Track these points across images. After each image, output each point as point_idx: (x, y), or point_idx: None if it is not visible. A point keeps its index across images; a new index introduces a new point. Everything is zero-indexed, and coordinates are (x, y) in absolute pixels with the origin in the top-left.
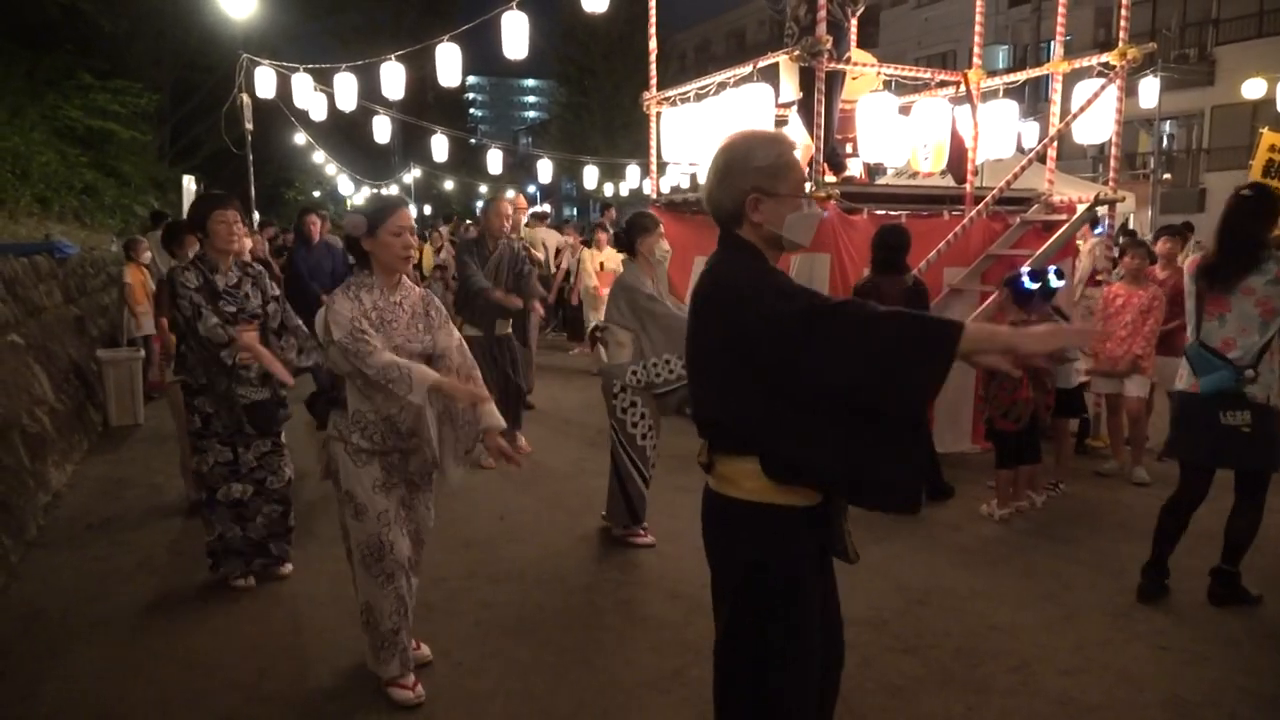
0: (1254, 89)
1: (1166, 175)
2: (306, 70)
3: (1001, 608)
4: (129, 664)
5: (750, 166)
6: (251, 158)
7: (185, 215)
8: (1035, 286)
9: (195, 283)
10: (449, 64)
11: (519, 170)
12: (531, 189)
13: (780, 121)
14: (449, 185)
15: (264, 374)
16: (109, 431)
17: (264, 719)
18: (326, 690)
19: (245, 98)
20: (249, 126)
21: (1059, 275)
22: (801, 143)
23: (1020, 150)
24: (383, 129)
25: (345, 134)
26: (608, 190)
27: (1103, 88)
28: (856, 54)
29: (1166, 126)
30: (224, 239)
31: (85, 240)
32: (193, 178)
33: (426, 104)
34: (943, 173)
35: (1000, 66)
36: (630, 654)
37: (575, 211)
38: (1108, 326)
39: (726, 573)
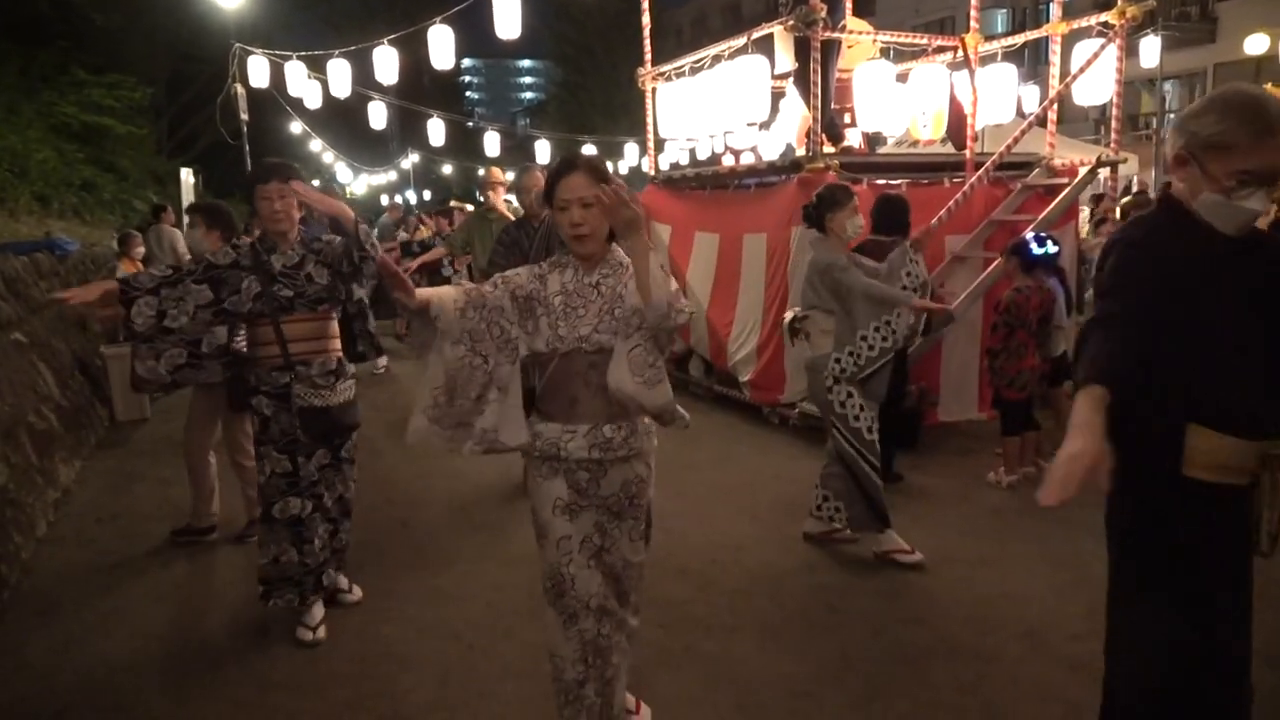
0: (1257, 44)
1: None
2: (299, 58)
3: (1010, 575)
4: (143, 655)
5: None
6: (248, 148)
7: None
8: (1041, 251)
9: (224, 260)
10: (442, 46)
11: (517, 152)
12: None
13: (777, 93)
14: (448, 169)
15: (329, 372)
16: (115, 426)
17: (278, 706)
18: (339, 676)
19: (239, 88)
20: (244, 117)
21: (1054, 243)
22: (799, 114)
23: (1020, 114)
24: (378, 115)
25: (342, 121)
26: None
27: (1102, 48)
28: (852, 22)
29: (1168, 86)
30: (267, 217)
31: (85, 236)
32: (191, 170)
33: (422, 88)
34: (943, 140)
35: (998, 30)
36: (640, 631)
37: None
38: None
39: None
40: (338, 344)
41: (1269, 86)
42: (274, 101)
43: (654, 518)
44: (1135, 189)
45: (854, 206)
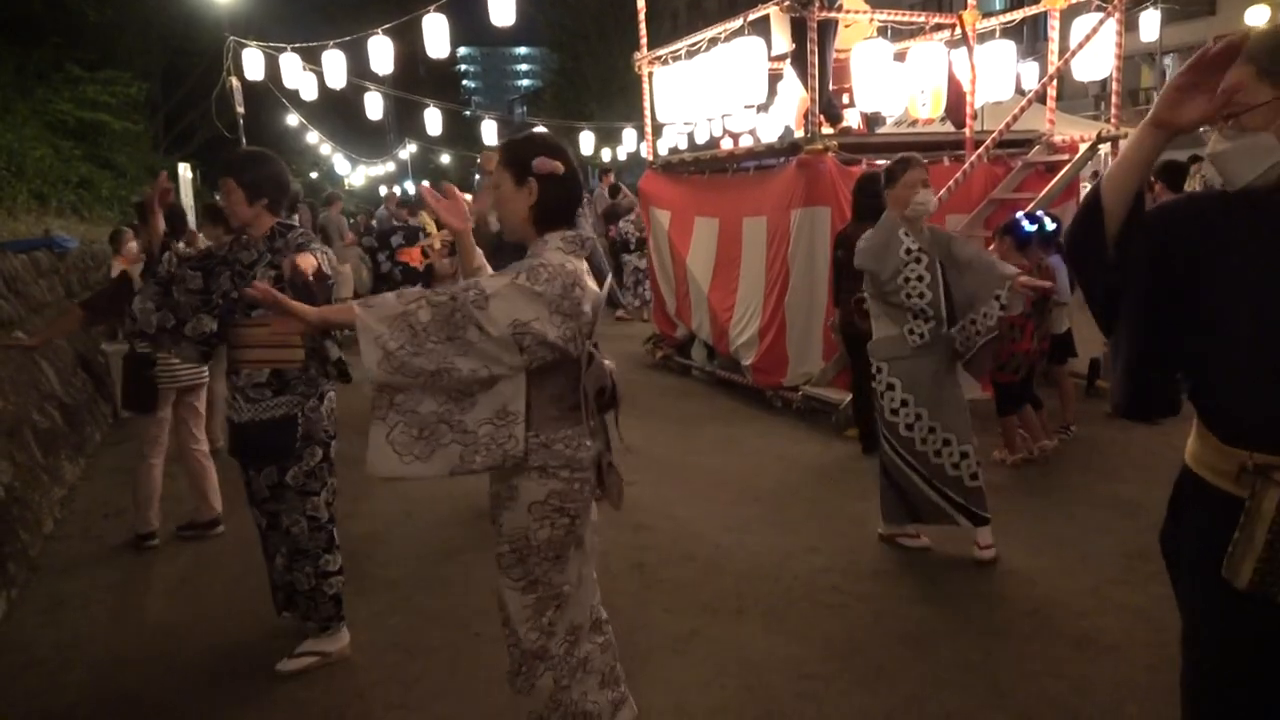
0: (1257, 16)
1: None
2: (294, 49)
3: (1016, 553)
4: (152, 650)
5: None
6: (245, 141)
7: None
8: (1033, 229)
9: (219, 252)
10: (437, 35)
11: None
12: None
13: (774, 75)
14: (446, 159)
15: (258, 384)
16: (119, 422)
17: (286, 696)
18: (346, 665)
19: (234, 81)
20: (240, 110)
21: (1053, 220)
22: (796, 95)
23: (1020, 91)
24: (375, 105)
25: (339, 113)
26: (605, 155)
27: (1101, 22)
28: (848, 1)
29: (1168, 60)
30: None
31: (84, 234)
32: (188, 165)
33: (418, 78)
34: (942, 118)
35: (996, 7)
36: (645, 617)
37: None
38: None
39: None
40: (280, 354)
41: None
42: (270, 94)
43: (656, 504)
44: None
45: (912, 180)
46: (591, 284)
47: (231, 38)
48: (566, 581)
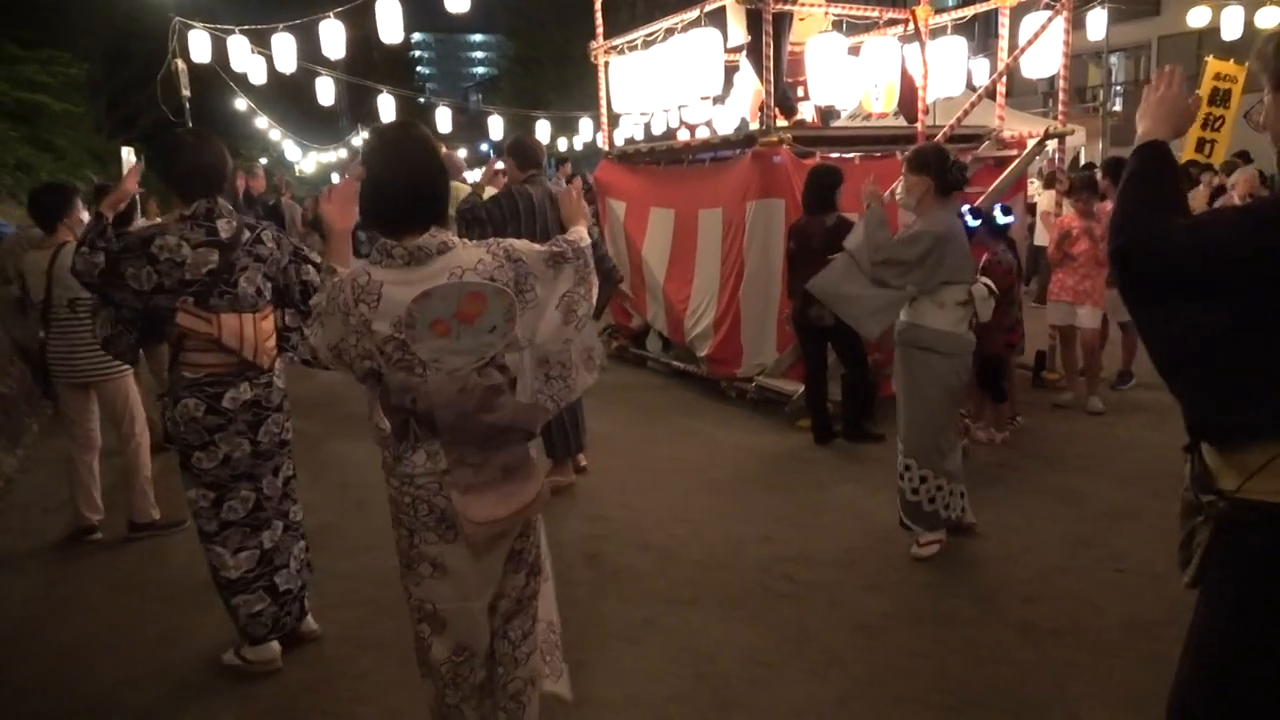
0: (1199, 17)
1: (1116, 108)
2: (242, 32)
3: (964, 541)
4: (96, 643)
5: None
6: (191, 126)
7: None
8: (978, 224)
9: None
10: (390, 20)
11: (470, 128)
12: (484, 147)
13: (731, 67)
14: None
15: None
16: (58, 413)
17: (235, 691)
18: (296, 658)
19: (180, 63)
20: (186, 94)
21: (1006, 212)
22: (751, 87)
23: (970, 87)
24: (326, 90)
25: (290, 98)
26: (561, 145)
27: (1049, 21)
28: None
29: (1114, 59)
30: None
31: (21, 218)
32: (132, 149)
33: (371, 63)
34: (895, 113)
35: (949, 3)
36: (600, 606)
37: None
38: (1067, 257)
39: None
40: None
41: (1210, 59)
42: (218, 77)
43: (612, 495)
44: (1083, 161)
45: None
46: (400, 293)
47: (177, 18)
48: (426, 600)
